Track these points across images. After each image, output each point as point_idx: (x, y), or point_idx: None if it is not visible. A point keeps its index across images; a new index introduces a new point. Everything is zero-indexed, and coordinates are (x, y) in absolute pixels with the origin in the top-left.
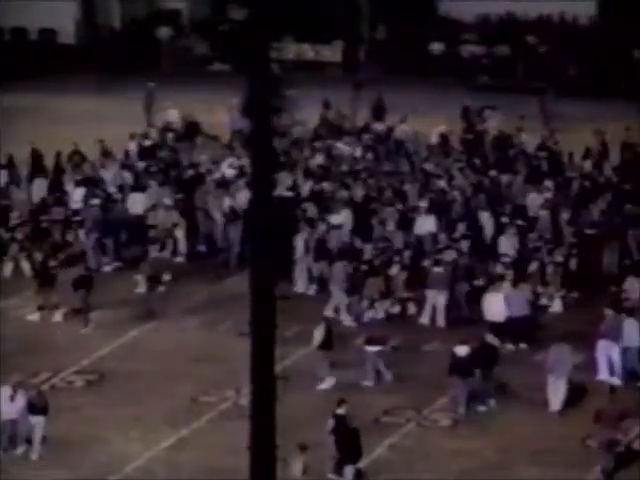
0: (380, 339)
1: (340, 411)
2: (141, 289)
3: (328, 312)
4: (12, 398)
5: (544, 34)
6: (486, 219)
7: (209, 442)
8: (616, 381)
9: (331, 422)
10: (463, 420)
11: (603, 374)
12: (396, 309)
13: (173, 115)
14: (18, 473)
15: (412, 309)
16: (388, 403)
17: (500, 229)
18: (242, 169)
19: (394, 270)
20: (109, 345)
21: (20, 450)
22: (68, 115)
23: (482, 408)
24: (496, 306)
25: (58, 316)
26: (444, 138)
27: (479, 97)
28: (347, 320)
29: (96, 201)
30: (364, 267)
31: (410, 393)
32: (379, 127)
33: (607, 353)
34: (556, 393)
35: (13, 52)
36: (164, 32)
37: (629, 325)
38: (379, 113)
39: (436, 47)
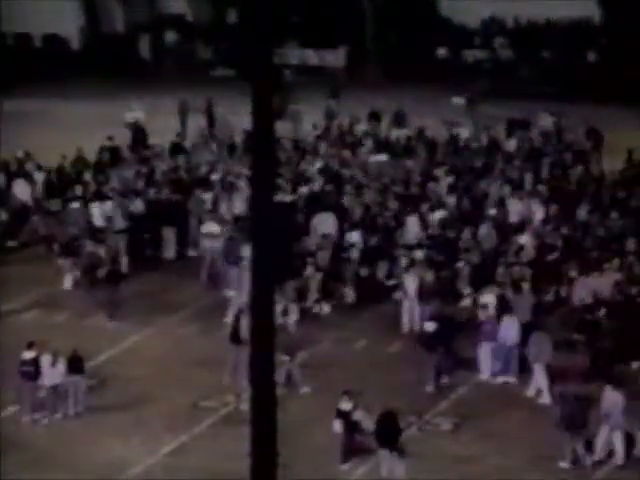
0: (290, 349)
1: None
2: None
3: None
4: (54, 364)
5: (548, 38)
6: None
7: (210, 447)
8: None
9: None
10: (465, 425)
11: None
12: (322, 308)
13: (132, 117)
14: (18, 475)
15: (326, 309)
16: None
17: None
18: (238, 175)
19: (309, 271)
20: (110, 350)
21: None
22: (72, 120)
23: (445, 380)
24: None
25: None
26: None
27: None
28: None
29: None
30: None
31: (411, 398)
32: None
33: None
34: (536, 381)
35: (17, 57)
36: (169, 37)
37: (507, 323)
38: (399, 121)
39: (440, 52)
